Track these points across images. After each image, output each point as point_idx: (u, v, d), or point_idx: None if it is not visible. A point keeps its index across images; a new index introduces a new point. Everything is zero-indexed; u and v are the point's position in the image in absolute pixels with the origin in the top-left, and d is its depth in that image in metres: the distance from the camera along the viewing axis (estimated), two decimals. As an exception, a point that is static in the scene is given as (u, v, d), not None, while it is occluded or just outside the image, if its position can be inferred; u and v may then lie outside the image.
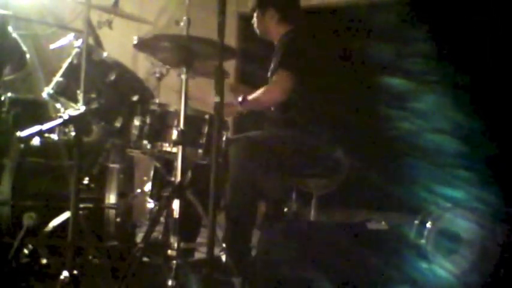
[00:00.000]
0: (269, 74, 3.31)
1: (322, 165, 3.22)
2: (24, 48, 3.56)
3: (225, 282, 2.80)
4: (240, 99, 3.06)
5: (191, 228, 3.17)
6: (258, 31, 3.35)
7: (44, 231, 2.84)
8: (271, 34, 3.32)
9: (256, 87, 3.25)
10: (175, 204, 2.59)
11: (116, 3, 3.50)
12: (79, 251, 2.74)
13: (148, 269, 2.75)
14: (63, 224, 2.78)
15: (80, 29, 3.12)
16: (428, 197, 3.30)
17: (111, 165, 3.27)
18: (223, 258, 2.84)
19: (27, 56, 3.59)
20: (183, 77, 2.66)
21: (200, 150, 2.84)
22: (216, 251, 2.67)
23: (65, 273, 2.22)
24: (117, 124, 2.96)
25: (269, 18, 3.27)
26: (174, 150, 2.71)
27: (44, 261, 2.89)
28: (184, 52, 2.67)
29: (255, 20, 3.33)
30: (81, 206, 2.87)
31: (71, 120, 2.25)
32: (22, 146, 3.05)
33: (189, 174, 3.11)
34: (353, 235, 2.90)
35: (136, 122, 2.86)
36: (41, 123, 2.19)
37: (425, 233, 3.01)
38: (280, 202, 3.35)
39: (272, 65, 3.27)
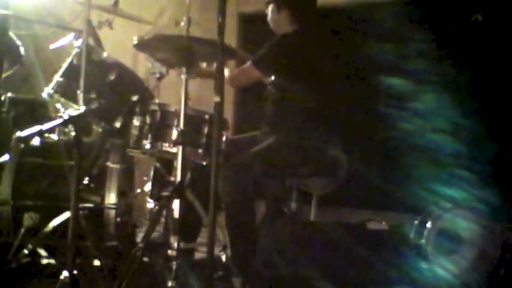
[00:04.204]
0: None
1: (322, 165, 3.22)
2: (18, 42, 3.56)
3: (225, 282, 2.81)
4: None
5: (191, 228, 3.17)
6: (270, 23, 3.35)
7: (44, 231, 2.84)
8: (280, 31, 3.33)
9: (257, 88, 3.26)
10: (175, 204, 2.59)
11: (115, 3, 3.50)
12: (79, 251, 2.74)
13: (148, 269, 2.75)
14: (63, 224, 2.78)
15: (80, 29, 3.11)
16: (429, 197, 3.30)
17: (111, 165, 3.27)
18: (223, 258, 2.84)
19: (22, 48, 3.58)
20: (183, 77, 2.66)
21: (200, 150, 2.84)
22: (216, 251, 2.67)
23: (65, 273, 2.22)
24: (117, 124, 2.97)
25: (283, 18, 3.27)
26: (174, 150, 2.71)
27: (44, 261, 2.89)
28: (184, 52, 2.67)
29: (269, 12, 3.32)
30: (81, 206, 2.87)
31: (71, 120, 2.25)
32: (22, 146, 3.05)
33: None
34: (353, 235, 2.90)
35: (136, 122, 2.86)
36: (41, 123, 2.19)
37: (425, 233, 3.01)
38: (280, 202, 3.35)
39: None
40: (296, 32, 3.22)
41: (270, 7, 3.31)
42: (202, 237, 3.28)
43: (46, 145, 3.15)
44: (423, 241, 3.01)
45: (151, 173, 3.37)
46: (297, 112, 3.17)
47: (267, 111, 3.33)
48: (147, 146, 2.83)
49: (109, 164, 3.27)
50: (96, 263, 2.84)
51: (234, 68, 3.33)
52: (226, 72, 3.25)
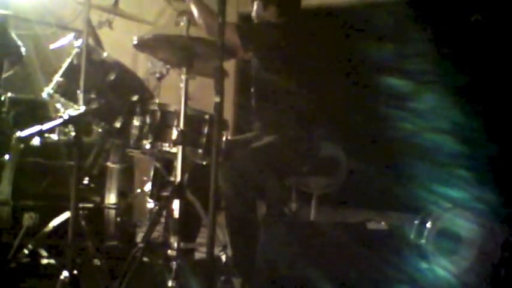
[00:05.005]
0: None
1: (322, 165, 3.22)
2: (19, 43, 3.56)
3: (225, 282, 2.81)
4: None
5: (191, 228, 3.17)
6: (254, 17, 3.33)
7: (44, 231, 2.84)
8: None
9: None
10: (175, 204, 2.59)
11: (116, 3, 3.50)
12: (79, 251, 2.74)
13: (148, 269, 2.75)
14: (63, 224, 2.78)
15: (80, 29, 3.11)
16: (428, 197, 3.30)
17: (111, 165, 3.27)
18: (223, 258, 2.84)
19: (23, 49, 3.58)
20: (183, 77, 2.66)
21: (200, 150, 2.84)
22: (216, 251, 2.67)
23: (65, 273, 2.23)
24: (117, 124, 2.96)
25: (269, 14, 3.26)
26: (174, 150, 2.71)
27: (44, 261, 2.89)
28: (184, 52, 2.67)
29: (255, 8, 3.30)
30: (81, 206, 2.87)
31: (71, 120, 2.26)
32: (22, 146, 3.06)
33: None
34: (353, 235, 2.90)
35: (136, 122, 2.86)
36: (41, 123, 2.19)
37: (425, 233, 3.01)
38: (280, 202, 3.35)
39: None
40: (278, 25, 3.21)
41: (256, 3, 3.29)
42: (202, 237, 3.28)
43: (46, 145, 3.15)
44: (423, 241, 3.01)
45: (151, 173, 3.37)
46: (296, 113, 3.16)
47: (264, 112, 3.31)
48: (147, 146, 2.83)
49: (109, 164, 3.27)
50: (96, 263, 2.84)
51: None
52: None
